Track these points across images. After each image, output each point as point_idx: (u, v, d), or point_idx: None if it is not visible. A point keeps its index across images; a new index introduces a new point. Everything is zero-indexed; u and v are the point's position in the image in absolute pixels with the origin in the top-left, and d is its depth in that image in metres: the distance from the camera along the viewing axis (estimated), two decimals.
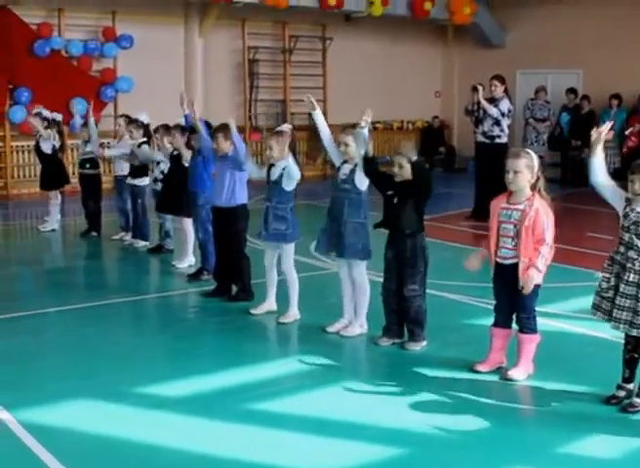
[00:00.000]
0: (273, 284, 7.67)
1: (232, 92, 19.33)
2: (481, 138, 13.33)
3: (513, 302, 5.81)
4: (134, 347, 6.87)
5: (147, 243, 10.90)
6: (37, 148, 12.58)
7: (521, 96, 19.27)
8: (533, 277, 5.57)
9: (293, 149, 7.42)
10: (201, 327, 7.56)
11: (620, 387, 5.42)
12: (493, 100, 13.06)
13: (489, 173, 12.29)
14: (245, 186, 8.07)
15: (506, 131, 13.18)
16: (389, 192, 6.50)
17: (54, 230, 12.50)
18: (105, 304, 8.12)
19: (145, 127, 10.77)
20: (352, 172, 6.84)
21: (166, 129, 9.89)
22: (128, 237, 11.33)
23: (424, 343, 6.61)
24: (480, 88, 13.08)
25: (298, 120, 19.95)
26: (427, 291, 6.66)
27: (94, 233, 11.93)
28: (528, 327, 5.82)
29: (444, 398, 5.58)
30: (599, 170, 5.28)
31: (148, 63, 17.47)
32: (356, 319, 6.99)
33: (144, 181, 10.90)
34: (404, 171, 6.35)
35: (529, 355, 5.88)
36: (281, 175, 7.30)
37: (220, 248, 8.25)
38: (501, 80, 13.15)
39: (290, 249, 7.47)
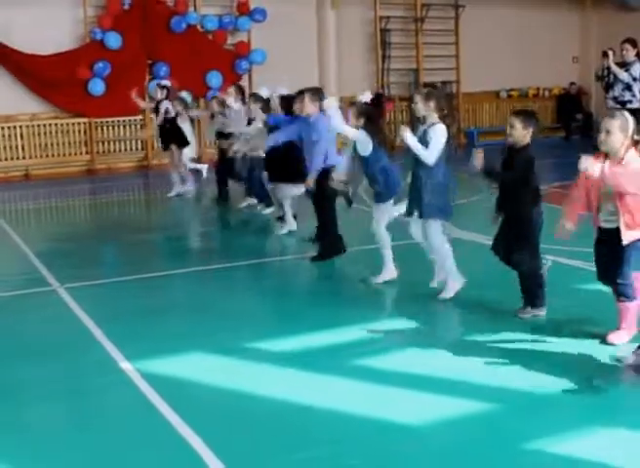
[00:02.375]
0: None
1: (364, 62, 19.49)
2: (612, 104, 13.00)
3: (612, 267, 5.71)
4: (246, 307, 7.19)
5: (272, 208, 11.21)
6: (156, 111, 13.24)
7: None
8: (629, 235, 5.47)
9: (368, 118, 7.51)
10: (312, 289, 7.87)
11: None
12: (624, 65, 12.73)
13: None
14: (332, 149, 8.31)
15: (638, 96, 12.81)
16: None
17: (179, 195, 13.17)
18: (225, 267, 8.52)
19: (266, 102, 11.02)
20: (425, 133, 6.91)
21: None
22: (254, 202, 11.65)
23: (537, 312, 6.52)
24: (610, 52, 12.79)
25: None
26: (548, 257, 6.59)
27: (224, 200, 12.38)
28: (624, 294, 5.76)
29: (539, 360, 5.60)
30: None
31: (281, 36, 17.83)
32: (447, 281, 7.10)
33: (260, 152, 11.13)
34: (514, 132, 6.34)
35: (629, 321, 5.81)
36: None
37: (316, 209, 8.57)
38: (633, 43, 12.79)
39: (380, 209, 7.60)
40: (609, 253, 5.69)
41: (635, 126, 5.56)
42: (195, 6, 17.44)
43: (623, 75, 12.59)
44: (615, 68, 12.64)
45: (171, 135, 13.06)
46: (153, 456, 4.40)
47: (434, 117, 6.95)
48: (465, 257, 7.38)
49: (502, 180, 6.46)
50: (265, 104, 10.72)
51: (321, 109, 8.22)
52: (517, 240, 6.37)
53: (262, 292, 7.90)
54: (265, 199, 11.24)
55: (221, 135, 12.32)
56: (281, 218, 10.30)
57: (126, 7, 16.80)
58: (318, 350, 5.93)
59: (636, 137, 5.54)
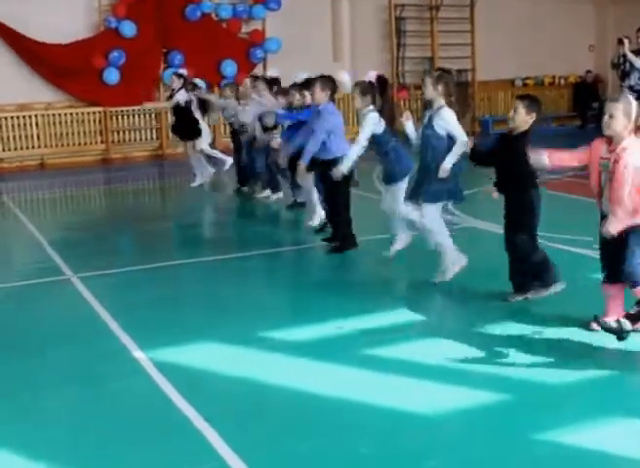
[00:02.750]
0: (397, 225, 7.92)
1: (379, 50, 19.43)
2: (628, 92, 12.95)
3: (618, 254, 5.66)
4: (259, 297, 7.21)
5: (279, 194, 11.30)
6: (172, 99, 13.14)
7: None
8: (612, 228, 5.40)
9: (374, 96, 7.65)
10: (323, 279, 7.87)
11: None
12: None
13: None
14: (340, 138, 8.26)
15: None
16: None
17: (201, 185, 13.09)
18: (239, 257, 8.55)
19: (271, 81, 11.01)
20: (431, 118, 6.94)
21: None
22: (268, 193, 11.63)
23: (526, 295, 6.57)
24: (626, 40, 12.74)
25: None
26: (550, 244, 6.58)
27: (244, 188, 12.35)
28: (633, 279, 5.72)
29: (547, 348, 5.61)
30: None
31: (296, 24, 17.80)
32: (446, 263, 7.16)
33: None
34: (517, 116, 6.31)
35: None
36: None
37: (326, 198, 8.62)
38: None
39: (392, 191, 7.77)
40: (611, 239, 5.64)
41: None
42: None
43: (639, 63, 12.53)
44: (631, 56, 12.61)
45: (184, 125, 13.03)
46: (166, 444, 4.43)
47: (441, 101, 6.96)
48: (474, 245, 7.37)
49: (500, 166, 6.46)
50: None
51: (331, 98, 8.28)
52: (515, 224, 6.40)
53: (276, 282, 7.95)
54: (274, 185, 11.26)
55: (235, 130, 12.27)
56: (301, 204, 10.38)
57: None
58: (329, 340, 5.96)
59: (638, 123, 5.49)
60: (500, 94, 21.05)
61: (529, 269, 6.54)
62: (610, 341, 5.50)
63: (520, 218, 6.40)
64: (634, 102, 5.49)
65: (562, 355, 5.47)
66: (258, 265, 8.42)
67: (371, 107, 7.65)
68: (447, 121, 6.89)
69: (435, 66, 19.52)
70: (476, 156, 6.70)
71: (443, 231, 7.16)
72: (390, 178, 7.79)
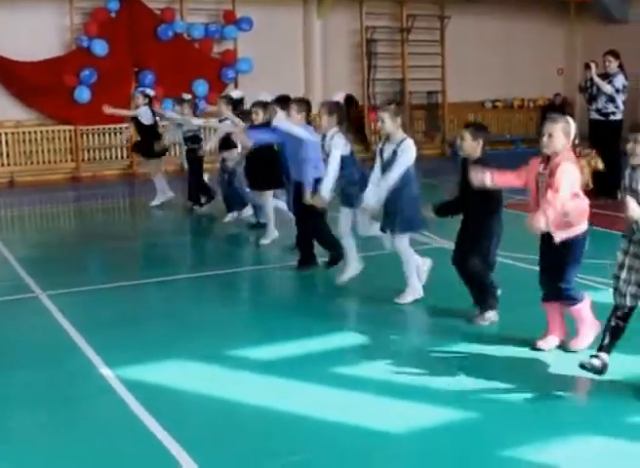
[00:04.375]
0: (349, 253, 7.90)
1: (351, 71, 19.55)
2: (595, 116, 13.09)
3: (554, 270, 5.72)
4: (224, 316, 7.25)
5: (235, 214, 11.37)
6: (137, 121, 13.14)
7: None
8: (536, 220, 5.38)
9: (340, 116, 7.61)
10: (287, 299, 7.95)
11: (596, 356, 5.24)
12: (607, 76, 12.82)
13: (604, 151, 12.08)
14: (315, 161, 8.07)
15: (621, 107, 12.90)
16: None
17: (162, 204, 13.11)
18: (205, 276, 8.59)
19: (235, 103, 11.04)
20: (394, 153, 6.93)
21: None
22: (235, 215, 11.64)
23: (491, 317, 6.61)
24: (593, 64, 12.87)
25: (416, 99, 20.14)
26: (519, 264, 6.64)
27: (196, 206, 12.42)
28: (571, 298, 5.75)
29: (504, 368, 5.69)
30: None
31: (268, 45, 17.89)
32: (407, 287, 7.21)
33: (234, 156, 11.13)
34: (464, 143, 6.37)
35: (587, 322, 5.80)
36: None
37: (299, 220, 8.53)
38: (615, 55, 12.88)
39: (347, 212, 7.72)
40: (549, 253, 5.70)
41: (577, 130, 5.60)
42: (182, 14, 17.47)
43: (607, 87, 12.68)
44: (597, 80, 12.72)
45: (148, 144, 13.03)
46: (133, 464, 4.42)
47: (401, 133, 6.98)
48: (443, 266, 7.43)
49: (462, 190, 6.51)
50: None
51: (307, 121, 8.27)
52: (471, 246, 6.45)
53: (241, 301, 8.03)
54: (235, 206, 11.34)
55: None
56: (259, 224, 10.40)
57: (112, 14, 16.80)
58: (294, 358, 5.98)
59: (577, 142, 5.57)
60: (470, 115, 21.21)
61: (486, 292, 6.59)
62: (565, 361, 5.59)
63: (476, 242, 6.45)
64: (572, 122, 5.60)
65: (522, 374, 5.56)
66: (223, 284, 8.42)
67: (336, 129, 7.61)
68: (405, 152, 6.89)
69: (406, 88, 19.75)
70: (443, 212, 6.76)
71: (412, 260, 7.20)
72: (348, 199, 7.69)
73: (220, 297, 7.96)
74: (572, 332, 5.94)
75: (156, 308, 7.60)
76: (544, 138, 5.56)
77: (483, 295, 6.59)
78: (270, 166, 9.46)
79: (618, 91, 12.77)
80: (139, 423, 4.89)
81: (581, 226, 5.65)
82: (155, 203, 13.16)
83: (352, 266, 7.86)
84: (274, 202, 9.89)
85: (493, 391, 5.27)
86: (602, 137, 12.46)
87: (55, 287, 8.02)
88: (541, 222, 5.36)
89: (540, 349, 5.88)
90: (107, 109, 13.43)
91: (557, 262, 5.67)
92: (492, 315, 6.58)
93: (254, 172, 9.85)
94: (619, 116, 12.92)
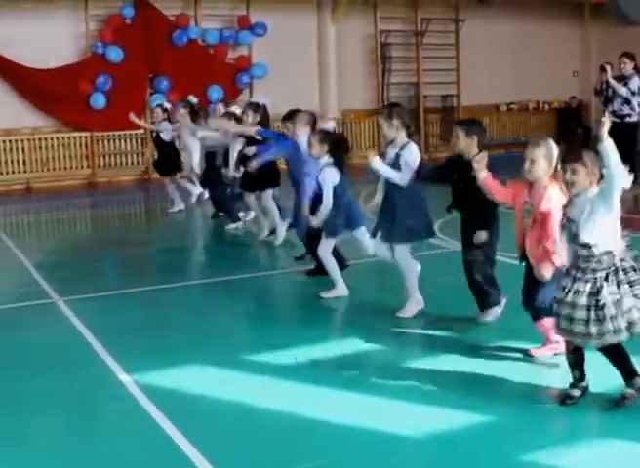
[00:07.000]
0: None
1: (365, 76, 19.59)
2: (611, 118, 13.01)
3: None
4: (243, 320, 7.34)
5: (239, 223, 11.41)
6: (157, 137, 13.15)
7: None
8: (546, 270, 5.33)
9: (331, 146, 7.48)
10: (309, 302, 7.85)
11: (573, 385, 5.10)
12: (622, 78, 12.82)
13: (619, 153, 12.05)
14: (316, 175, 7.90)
15: (637, 109, 12.91)
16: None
17: (180, 211, 13.11)
18: (222, 281, 8.62)
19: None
20: (397, 156, 6.76)
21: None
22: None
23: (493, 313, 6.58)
24: (608, 67, 12.86)
25: (430, 102, 20.13)
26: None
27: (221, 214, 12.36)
28: (543, 313, 5.54)
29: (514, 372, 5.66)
30: None
31: (282, 50, 17.92)
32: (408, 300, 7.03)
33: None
34: (458, 141, 6.19)
35: (550, 335, 5.66)
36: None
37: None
38: (631, 57, 12.88)
39: (330, 242, 7.61)
40: (530, 275, 5.59)
41: (559, 154, 5.38)
42: (196, 20, 17.55)
43: (622, 89, 12.67)
44: (613, 82, 12.71)
45: (166, 161, 13.05)
46: None
47: (403, 137, 6.79)
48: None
49: (458, 189, 6.43)
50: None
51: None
52: (471, 243, 6.36)
53: (259, 305, 7.96)
54: (232, 213, 11.38)
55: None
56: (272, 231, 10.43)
57: (127, 21, 16.91)
58: (312, 364, 5.94)
59: (559, 167, 5.24)
60: (485, 119, 21.15)
61: (489, 287, 6.52)
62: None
63: (474, 233, 6.34)
64: (554, 146, 5.43)
65: (534, 377, 5.52)
66: (240, 289, 8.42)
67: (326, 158, 7.48)
68: (407, 158, 6.69)
69: (420, 92, 19.74)
70: (426, 175, 6.67)
71: (412, 273, 7.00)
72: (333, 230, 7.54)
73: (238, 302, 7.96)
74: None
75: (173, 314, 7.61)
76: (526, 164, 5.41)
77: (485, 289, 6.49)
78: (267, 166, 9.56)
79: (633, 93, 12.77)
80: (157, 429, 4.89)
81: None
82: (174, 209, 13.19)
83: (339, 289, 7.68)
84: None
85: (505, 397, 5.25)
86: (617, 140, 12.36)
87: (72, 293, 8.04)
88: (550, 271, 5.35)
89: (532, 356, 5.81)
90: (133, 117, 13.47)
91: (535, 282, 5.53)
92: (495, 310, 6.54)
93: (251, 174, 9.87)
94: (634, 118, 12.93)
